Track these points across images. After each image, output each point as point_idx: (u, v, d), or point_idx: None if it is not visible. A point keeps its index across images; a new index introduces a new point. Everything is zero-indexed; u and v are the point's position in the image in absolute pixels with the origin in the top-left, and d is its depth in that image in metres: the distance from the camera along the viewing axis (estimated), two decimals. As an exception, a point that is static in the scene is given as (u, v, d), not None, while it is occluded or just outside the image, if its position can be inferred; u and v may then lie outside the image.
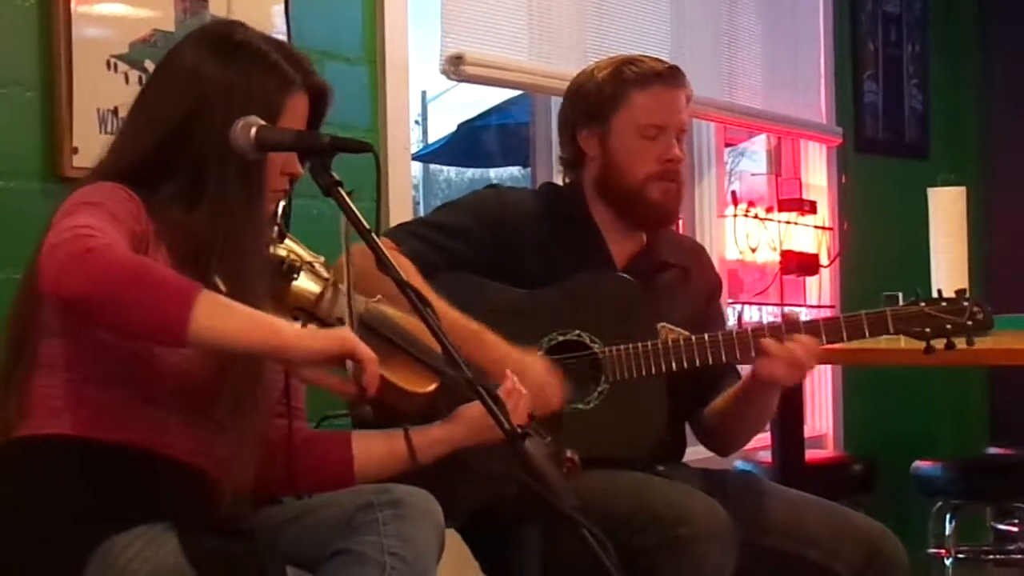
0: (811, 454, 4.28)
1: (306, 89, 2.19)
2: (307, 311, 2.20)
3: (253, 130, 2.08)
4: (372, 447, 2.28)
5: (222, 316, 1.88)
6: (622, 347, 2.65)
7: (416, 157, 7.97)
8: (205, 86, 2.11)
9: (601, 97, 2.81)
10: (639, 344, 2.65)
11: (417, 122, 9.72)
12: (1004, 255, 5.91)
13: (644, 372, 2.64)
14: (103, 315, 1.88)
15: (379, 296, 2.28)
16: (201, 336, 1.86)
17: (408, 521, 1.98)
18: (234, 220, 2.07)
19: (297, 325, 2.07)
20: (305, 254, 2.26)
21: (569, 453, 2.32)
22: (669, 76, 2.81)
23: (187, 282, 1.88)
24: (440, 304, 2.38)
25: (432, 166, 10.34)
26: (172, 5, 2.95)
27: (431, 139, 9.74)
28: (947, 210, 3.73)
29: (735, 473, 2.89)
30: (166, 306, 1.85)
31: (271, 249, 2.19)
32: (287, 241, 2.23)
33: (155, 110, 2.15)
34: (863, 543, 2.67)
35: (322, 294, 2.22)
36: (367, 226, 2.01)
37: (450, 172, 10.80)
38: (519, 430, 1.84)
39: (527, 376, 2.41)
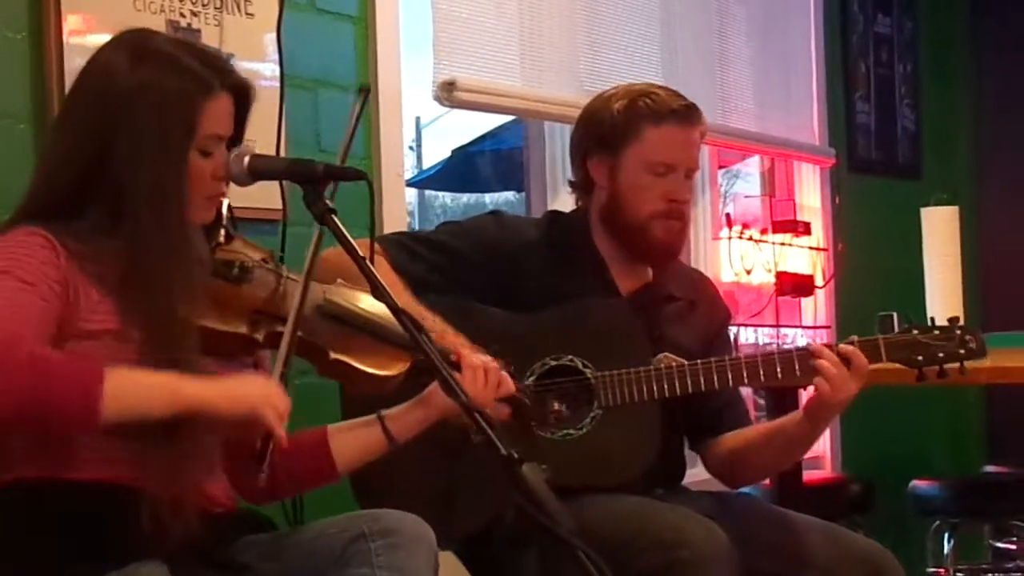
0: (809, 475, 4.28)
1: (227, 91, 2.11)
2: (267, 313, 2.15)
3: (246, 159, 2.08)
4: (349, 441, 2.28)
5: (124, 393, 1.87)
6: (614, 372, 2.64)
7: (411, 183, 7.99)
8: (117, 101, 2.04)
9: (614, 127, 2.77)
10: (631, 370, 2.64)
11: (411, 148, 9.74)
12: (997, 273, 5.91)
13: (636, 397, 2.63)
14: (19, 421, 1.86)
15: (338, 280, 2.25)
16: (111, 417, 1.86)
17: (401, 549, 1.97)
18: (150, 250, 2.02)
19: (208, 381, 1.97)
20: (255, 253, 2.20)
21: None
22: (684, 113, 2.76)
23: (87, 369, 1.87)
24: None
25: (427, 191, 10.36)
26: (165, 35, 2.95)
27: (426, 164, 9.77)
28: (940, 230, 3.73)
29: (734, 495, 2.88)
30: (72, 400, 1.84)
31: (218, 254, 2.13)
32: (235, 243, 2.18)
33: (70, 138, 2.08)
34: (862, 564, 2.66)
35: (280, 291, 2.17)
36: (361, 254, 2.02)
37: (445, 197, 10.81)
38: (514, 455, 1.83)
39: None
